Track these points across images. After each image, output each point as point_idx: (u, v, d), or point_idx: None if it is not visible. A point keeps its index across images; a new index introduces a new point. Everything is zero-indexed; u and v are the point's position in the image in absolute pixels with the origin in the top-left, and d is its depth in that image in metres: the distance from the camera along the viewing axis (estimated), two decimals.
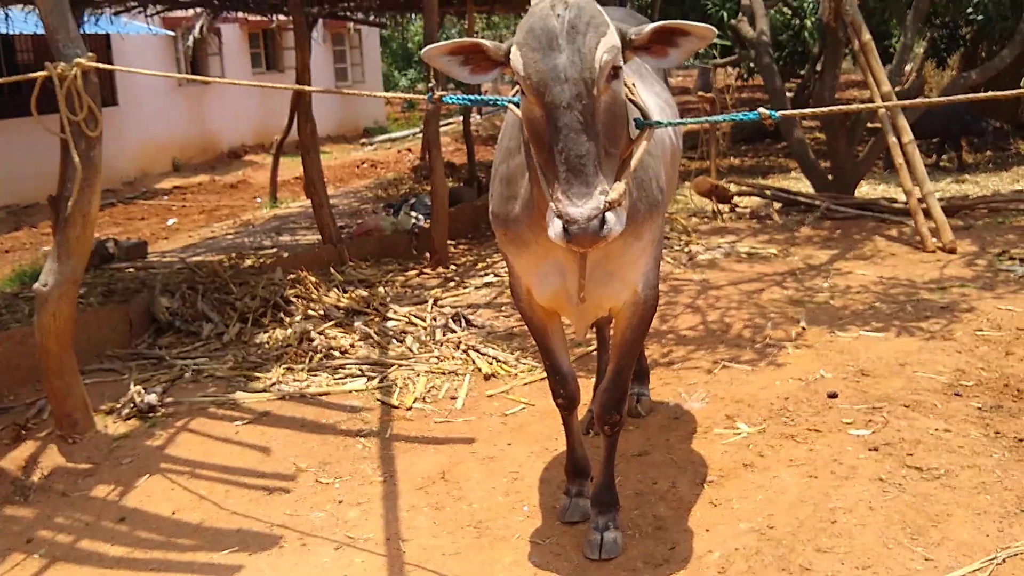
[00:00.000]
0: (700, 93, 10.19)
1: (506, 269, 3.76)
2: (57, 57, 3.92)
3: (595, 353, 4.60)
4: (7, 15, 9.00)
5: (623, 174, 2.38)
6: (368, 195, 13.29)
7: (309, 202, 8.34)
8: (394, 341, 5.57)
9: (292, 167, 15.06)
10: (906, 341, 5.07)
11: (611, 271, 2.90)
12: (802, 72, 17.72)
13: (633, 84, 2.70)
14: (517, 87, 2.43)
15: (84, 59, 3.88)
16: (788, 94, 18.58)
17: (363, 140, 22.61)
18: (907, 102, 3.36)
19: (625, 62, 2.48)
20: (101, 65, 3.91)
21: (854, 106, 5.21)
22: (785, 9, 13.89)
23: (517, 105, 2.55)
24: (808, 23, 13.05)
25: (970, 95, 2.52)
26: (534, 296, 3.07)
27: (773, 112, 2.51)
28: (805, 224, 8.26)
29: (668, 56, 2.52)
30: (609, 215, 2.24)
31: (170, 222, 12.27)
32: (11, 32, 10.89)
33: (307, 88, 4.26)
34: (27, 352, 4.80)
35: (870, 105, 4.74)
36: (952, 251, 6.96)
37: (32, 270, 8.63)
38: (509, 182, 2.94)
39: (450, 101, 2.89)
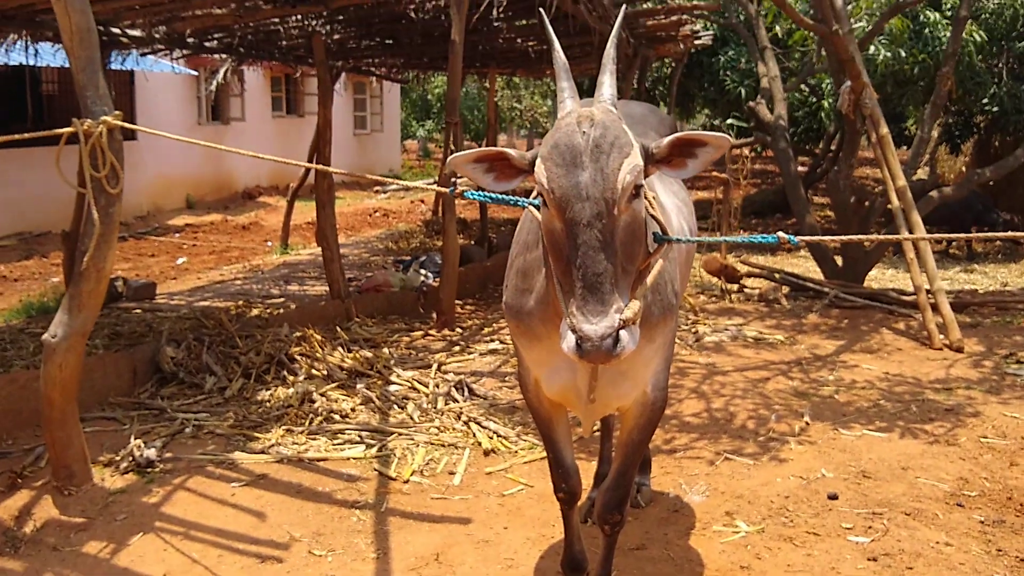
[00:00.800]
0: (714, 172, 10.24)
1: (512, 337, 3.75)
2: (84, 113, 3.96)
3: (598, 433, 4.59)
4: (36, 49, 9.11)
5: (639, 290, 2.39)
6: (379, 246, 13.35)
7: (319, 249, 8.38)
8: (395, 407, 5.56)
9: (306, 210, 15.16)
10: (909, 443, 5.04)
11: (622, 371, 2.90)
12: (817, 149, 17.88)
13: (654, 197, 2.71)
14: (537, 191, 2.46)
15: (110, 117, 3.93)
16: (801, 168, 18.84)
17: (377, 188, 22.76)
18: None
19: (647, 176, 2.51)
20: (127, 124, 3.95)
21: (873, 236, 5.18)
22: (803, 87, 14.06)
23: (537, 207, 2.57)
24: (825, 104, 13.19)
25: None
26: (542, 389, 3.07)
27: (792, 237, 2.53)
28: (813, 311, 8.27)
29: (687, 167, 2.53)
30: (623, 333, 2.24)
31: (180, 261, 12.31)
32: (38, 64, 11.04)
33: (325, 168, 4.30)
34: (30, 396, 4.80)
35: (889, 237, 4.76)
36: (959, 350, 6.95)
37: (39, 303, 8.66)
38: (525, 275, 2.95)
39: (471, 197, 2.91)
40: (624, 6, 3.82)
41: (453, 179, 2.81)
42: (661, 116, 4.29)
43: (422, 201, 19.30)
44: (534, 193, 2.59)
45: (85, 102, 3.95)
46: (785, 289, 8.88)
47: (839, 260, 9.06)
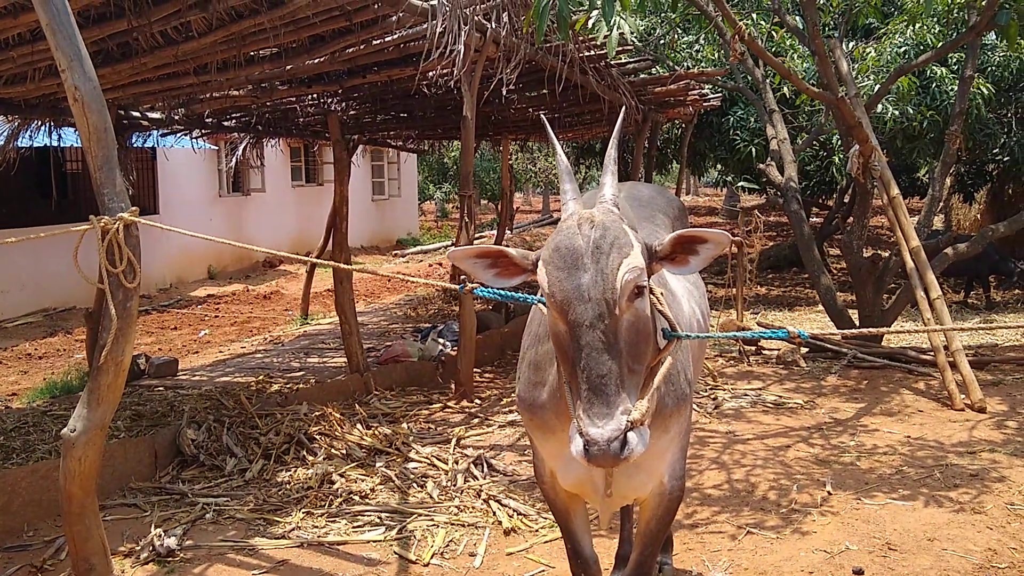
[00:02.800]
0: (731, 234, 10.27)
1: None
2: (102, 210, 4.03)
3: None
4: (60, 133, 9.33)
5: (648, 390, 2.40)
6: (398, 313, 13.41)
7: (339, 319, 8.43)
8: (415, 485, 5.55)
9: (326, 276, 15.29)
10: (934, 512, 4.98)
11: (638, 464, 2.87)
12: (830, 202, 17.90)
13: (661, 294, 2.74)
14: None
15: (127, 213, 4.00)
16: (815, 219, 18.85)
17: (395, 251, 22.96)
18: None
19: (652, 274, 2.53)
20: (144, 220, 4.02)
21: (881, 329, 5.14)
22: (814, 141, 14.14)
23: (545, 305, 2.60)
24: (836, 159, 13.24)
25: None
26: (558, 481, 3.07)
27: (802, 332, 2.55)
28: (832, 372, 8.23)
29: (689, 264, 2.55)
30: (631, 435, 2.24)
31: (202, 334, 12.41)
32: (62, 145, 11.28)
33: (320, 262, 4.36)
34: (50, 487, 4.84)
35: (900, 330, 4.78)
36: (981, 410, 6.89)
37: (63, 383, 8.74)
38: (537, 368, 2.97)
39: (481, 294, 2.95)
40: (624, 108, 3.88)
41: (462, 278, 2.85)
42: (669, 197, 4.33)
43: (440, 264, 19.43)
44: (541, 290, 2.62)
45: (102, 199, 4.03)
46: (803, 350, 8.85)
47: (855, 317, 9.03)
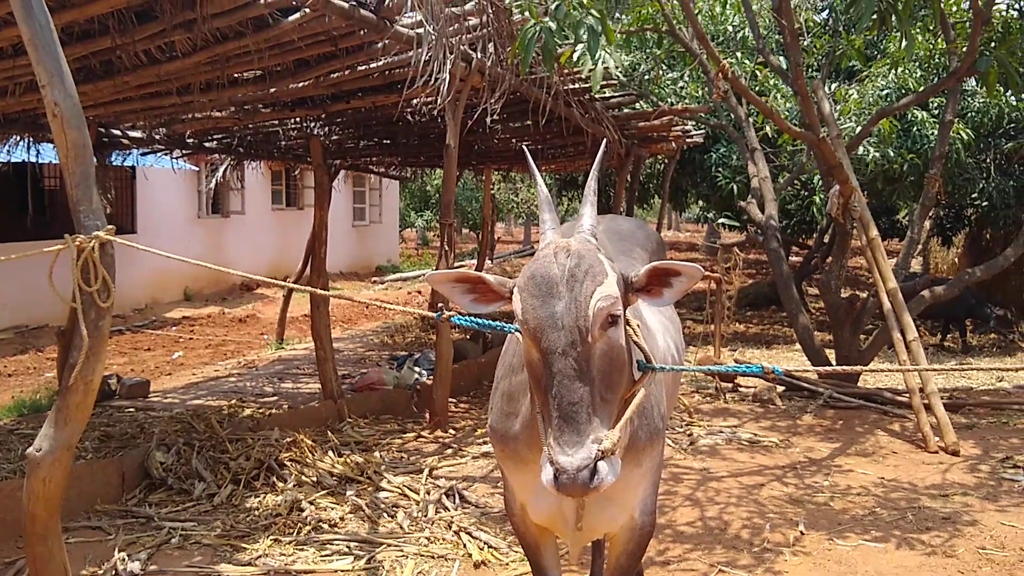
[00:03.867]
0: (708, 273, 10.31)
1: None
2: (77, 227, 3.98)
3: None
4: (38, 149, 9.27)
5: (620, 420, 2.38)
6: (375, 340, 13.34)
7: (314, 344, 8.37)
8: (385, 515, 5.48)
9: (303, 302, 15.17)
10: (906, 555, 4.96)
11: (609, 497, 2.86)
12: (810, 242, 18.02)
13: (638, 326, 2.73)
14: None
15: (103, 232, 3.96)
16: (795, 258, 18.96)
17: (375, 278, 22.91)
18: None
19: (629, 305, 2.52)
20: (119, 240, 3.98)
21: (857, 368, 5.18)
22: (795, 181, 14.27)
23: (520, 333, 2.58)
24: (816, 199, 13.35)
25: None
26: (528, 514, 3.04)
27: (776, 368, 2.54)
28: (808, 412, 8.23)
29: (663, 296, 2.54)
30: (602, 464, 2.22)
31: (176, 356, 12.30)
32: (40, 161, 11.22)
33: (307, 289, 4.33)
34: (14, 506, 4.72)
35: (876, 369, 4.83)
36: (955, 453, 6.89)
37: (32, 401, 8.62)
38: (510, 398, 2.95)
39: (459, 322, 2.93)
40: (605, 141, 3.89)
41: (441, 304, 2.84)
42: (648, 231, 4.34)
43: (419, 292, 19.39)
44: (515, 317, 2.60)
45: (78, 216, 3.98)
46: (780, 388, 8.85)
47: (832, 357, 9.06)
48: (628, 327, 2.60)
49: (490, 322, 2.94)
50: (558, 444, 2.22)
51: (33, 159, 10.07)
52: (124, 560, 4.60)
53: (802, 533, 5.26)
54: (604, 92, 9.08)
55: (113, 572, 4.52)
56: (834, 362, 8.98)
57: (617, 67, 5.80)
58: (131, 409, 8.28)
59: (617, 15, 10.18)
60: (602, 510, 2.89)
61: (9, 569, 4.60)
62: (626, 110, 10.05)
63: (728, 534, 5.29)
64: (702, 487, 6.14)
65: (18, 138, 8.59)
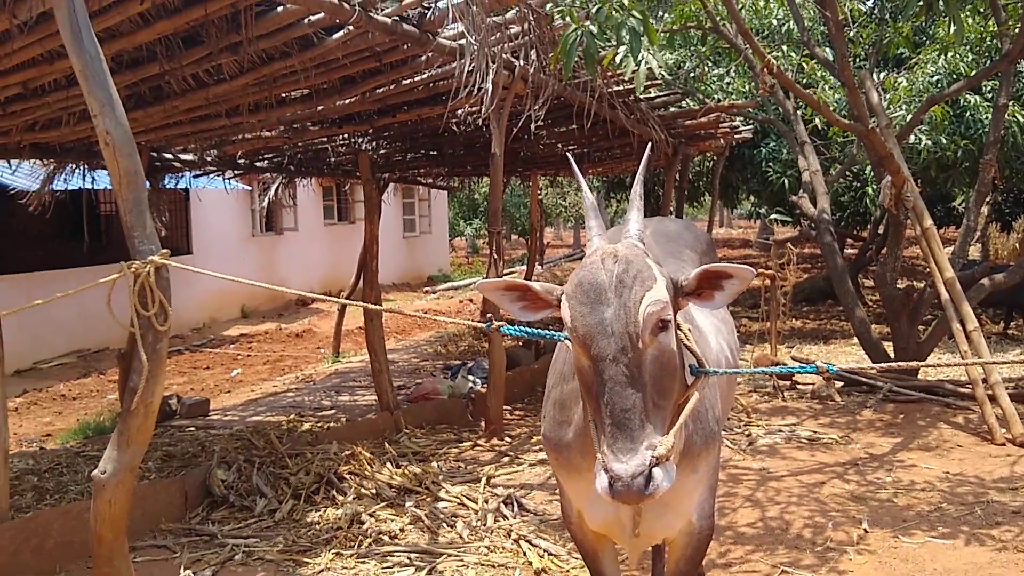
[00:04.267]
0: (762, 270, 10.19)
1: None
2: (132, 253, 4.06)
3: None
4: (94, 177, 9.48)
5: (674, 426, 2.36)
6: (428, 350, 13.41)
7: (369, 357, 8.43)
8: (445, 525, 5.50)
9: (358, 315, 15.31)
10: (976, 551, 4.86)
11: (666, 502, 2.84)
12: (864, 234, 17.75)
13: (689, 329, 2.71)
14: None
15: (158, 256, 4.02)
16: (850, 251, 18.68)
17: (426, 288, 23.03)
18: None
19: (679, 310, 2.51)
20: (174, 263, 4.05)
21: (916, 362, 5.06)
22: (847, 172, 14.07)
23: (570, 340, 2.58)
24: (869, 189, 13.13)
25: None
26: (585, 521, 3.03)
27: (831, 366, 2.50)
28: (867, 407, 8.10)
29: (715, 299, 2.52)
30: (656, 471, 2.21)
31: (234, 373, 12.48)
32: (95, 188, 11.47)
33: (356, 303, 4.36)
34: (82, 528, 4.83)
35: (937, 362, 4.72)
36: (1023, 445, 6.73)
37: (96, 424, 8.79)
38: (562, 407, 2.94)
39: (507, 332, 2.93)
40: (650, 143, 3.87)
41: (489, 316, 2.84)
42: (696, 232, 4.30)
43: (471, 301, 19.44)
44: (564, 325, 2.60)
45: (133, 242, 4.05)
46: (838, 384, 8.72)
47: (890, 350, 8.90)
48: (679, 331, 2.58)
49: (540, 331, 2.94)
50: (612, 451, 2.22)
51: (88, 186, 10.33)
52: None
53: (866, 531, 5.18)
54: (649, 92, 9.04)
55: None
56: (892, 355, 8.83)
57: (660, 67, 5.78)
58: (191, 428, 8.42)
59: (660, 14, 10.13)
60: (659, 516, 2.87)
61: None
62: (672, 109, 9.99)
63: (790, 534, 5.22)
64: (762, 487, 6.07)
65: (74, 166, 8.79)
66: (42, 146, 7.33)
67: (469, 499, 5.90)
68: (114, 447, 4.16)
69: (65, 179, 9.31)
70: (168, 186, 11.08)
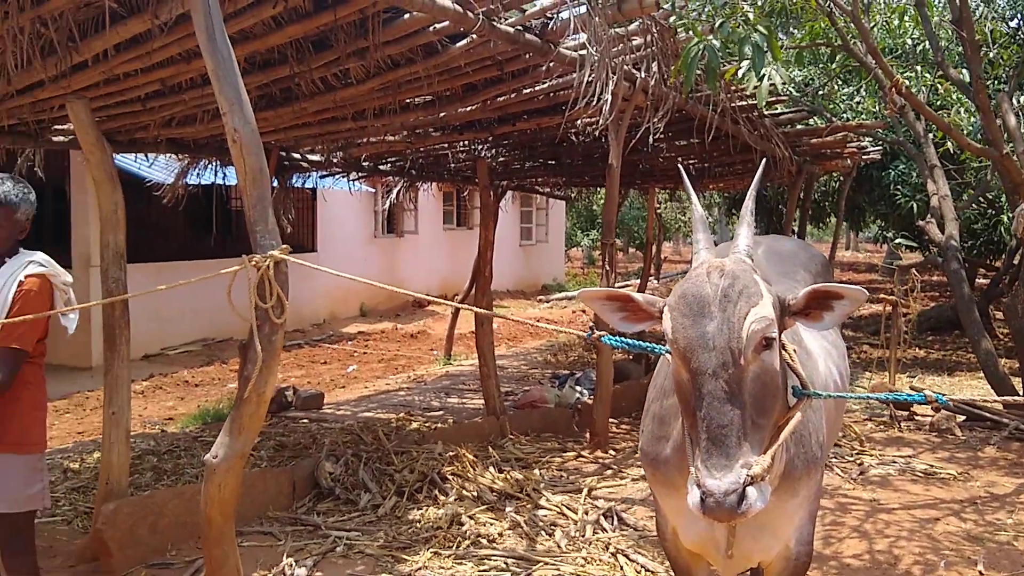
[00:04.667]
0: (884, 296, 9.88)
1: None
2: (254, 247, 4.20)
3: None
4: (225, 172, 9.85)
5: (772, 447, 2.32)
6: (538, 358, 13.45)
7: (478, 361, 8.51)
8: (543, 533, 5.51)
9: (470, 319, 15.47)
10: None
11: (763, 524, 2.80)
12: (998, 263, 16.98)
13: (795, 350, 2.65)
14: None
15: (278, 251, 4.16)
16: (982, 280, 17.88)
17: (540, 297, 23.10)
18: None
19: (786, 328, 2.46)
20: (293, 259, 4.18)
21: None
22: (980, 199, 13.49)
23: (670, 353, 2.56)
24: (1004, 218, 12.56)
25: None
26: (680, 539, 3.00)
27: (941, 397, 2.42)
28: (990, 443, 7.74)
29: (823, 320, 2.47)
30: (750, 490, 2.17)
31: (350, 369, 12.77)
32: (227, 183, 11.93)
33: (471, 307, 4.40)
34: (194, 509, 5.01)
35: None
36: None
37: (215, 410, 9.12)
38: (661, 422, 2.92)
39: (608, 343, 2.93)
40: (764, 159, 3.80)
41: (590, 325, 2.84)
42: (812, 252, 4.21)
43: (583, 312, 19.40)
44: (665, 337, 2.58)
45: (255, 237, 4.19)
46: (960, 418, 8.36)
47: (1020, 392, 8.48)
48: (783, 351, 2.53)
49: (641, 343, 2.92)
50: (705, 467, 2.19)
51: (220, 181, 10.77)
52: (292, 566, 4.81)
53: (981, 574, 4.95)
54: (774, 108, 8.88)
55: None
56: (1020, 391, 8.41)
57: (785, 83, 5.67)
58: (305, 420, 8.67)
59: (790, 30, 9.94)
60: (755, 538, 2.82)
61: (189, 568, 4.89)
62: (798, 126, 9.78)
63: (898, 569, 5.03)
64: (871, 519, 5.87)
65: (207, 162, 9.16)
66: (177, 141, 7.65)
67: (569, 509, 5.90)
68: (227, 433, 4.30)
69: (198, 174, 9.70)
70: (296, 185, 11.45)
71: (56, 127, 6.80)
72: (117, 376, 5.10)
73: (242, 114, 3.75)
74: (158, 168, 10.83)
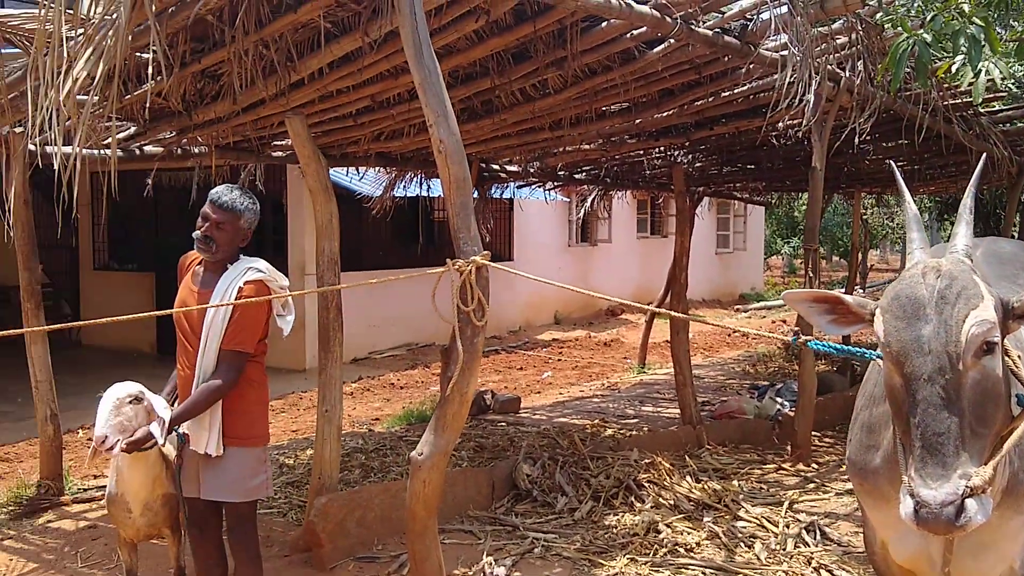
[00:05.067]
0: None
1: None
2: (457, 252, 4.35)
3: None
4: (429, 184, 10.23)
5: (994, 458, 2.19)
6: (736, 368, 13.17)
7: (674, 370, 8.44)
8: (742, 545, 5.40)
9: (664, 328, 15.34)
10: None
11: (984, 542, 2.64)
12: None
13: (1019, 356, 2.49)
14: None
15: (479, 257, 4.29)
16: None
17: (737, 306, 22.60)
18: None
19: (1009, 333, 2.33)
20: (493, 264, 4.30)
21: None
22: None
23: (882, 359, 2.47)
24: None
25: None
26: (890, 554, 2.87)
27: None
28: None
29: None
30: (970, 502, 2.06)
31: (545, 375, 12.94)
32: (430, 195, 12.38)
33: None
34: (399, 505, 5.25)
35: None
36: None
37: (419, 412, 9.45)
38: (871, 430, 2.81)
39: (815, 347, 2.85)
40: (984, 156, 3.59)
41: (796, 328, 2.77)
42: None
43: (784, 322, 18.85)
44: (877, 341, 2.49)
45: (458, 243, 4.34)
46: None
47: None
48: (1007, 356, 2.39)
49: (850, 347, 2.83)
50: (920, 476, 2.10)
51: (424, 193, 11.20)
52: (491, 564, 4.93)
53: None
54: (992, 105, 8.36)
55: (481, 574, 4.86)
56: None
57: (1004, 78, 5.33)
58: (503, 423, 8.86)
59: (1011, 22, 9.32)
60: (975, 556, 2.66)
61: (394, 562, 5.10)
62: (1019, 124, 9.15)
63: None
64: None
65: (412, 174, 9.54)
66: (385, 155, 8.01)
67: (769, 521, 5.75)
68: (431, 431, 4.46)
69: (404, 186, 10.13)
70: (495, 196, 11.74)
71: (275, 143, 7.28)
72: (330, 376, 5.40)
73: (447, 125, 3.89)
74: (367, 182, 11.39)
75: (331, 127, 6.47)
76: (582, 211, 14.85)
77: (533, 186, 11.68)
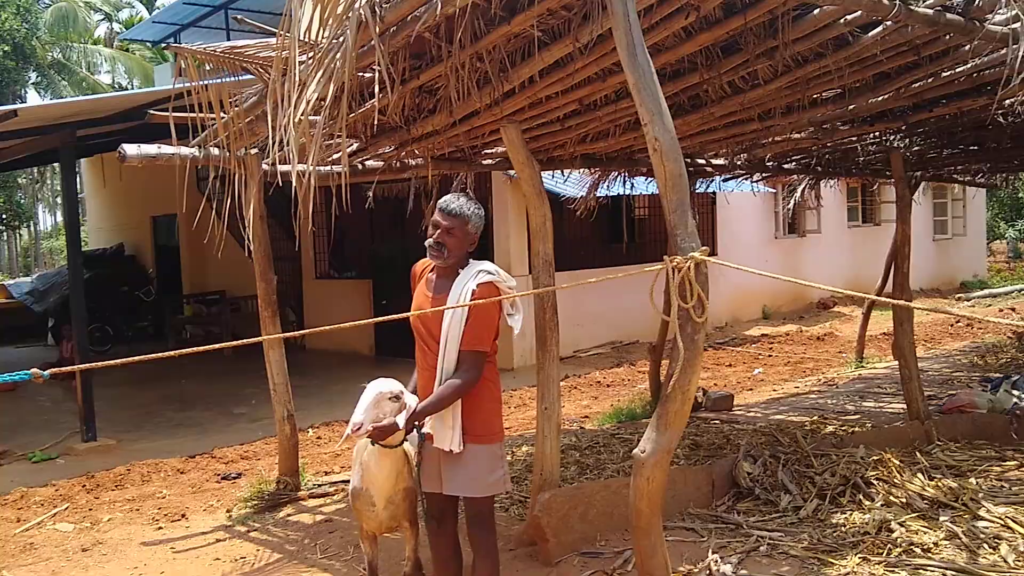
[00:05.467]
0: None
1: None
2: (674, 249, 4.36)
3: None
4: (632, 183, 10.25)
5: None
6: (962, 360, 12.44)
7: (896, 363, 8.10)
8: (986, 546, 5.11)
9: (881, 320, 14.73)
10: None
11: None
12: None
13: None
14: None
15: (698, 253, 4.29)
16: None
17: (959, 295, 21.36)
18: None
19: None
20: (713, 259, 4.28)
21: None
22: None
23: None
24: None
25: None
26: None
27: None
28: None
29: None
30: None
31: (756, 372, 12.68)
32: (632, 193, 12.41)
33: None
34: (619, 502, 5.30)
35: None
36: None
37: (627, 410, 9.50)
38: None
39: None
40: None
41: None
42: None
43: (1012, 310, 17.65)
44: None
45: (675, 240, 4.36)
46: None
47: None
48: None
49: None
50: None
51: (627, 192, 11.23)
52: (717, 562, 4.90)
53: None
54: None
55: (707, 572, 4.84)
56: None
57: None
58: (716, 421, 8.76)
59: None
60: None
61: (618, 557, 5.16)
62: None
63: None
64: None
65: (616, 174, 9.59)
66: (590, 156, 8.10)
67: (1016, 522, 5.40)
68: (653, 429, 4.49)
69: (607, 186, 10.20)
70: (699, 191, 11.63)
71: (485, 151, 7.51)
72: (548, 374, 5.53)
73: (662, 123, 3.92)
74: (571, 184, 11.56)
75: (539, 132, 6.62)
76: (791, 202, 14.43)
77: (739, 179, 11.49)
